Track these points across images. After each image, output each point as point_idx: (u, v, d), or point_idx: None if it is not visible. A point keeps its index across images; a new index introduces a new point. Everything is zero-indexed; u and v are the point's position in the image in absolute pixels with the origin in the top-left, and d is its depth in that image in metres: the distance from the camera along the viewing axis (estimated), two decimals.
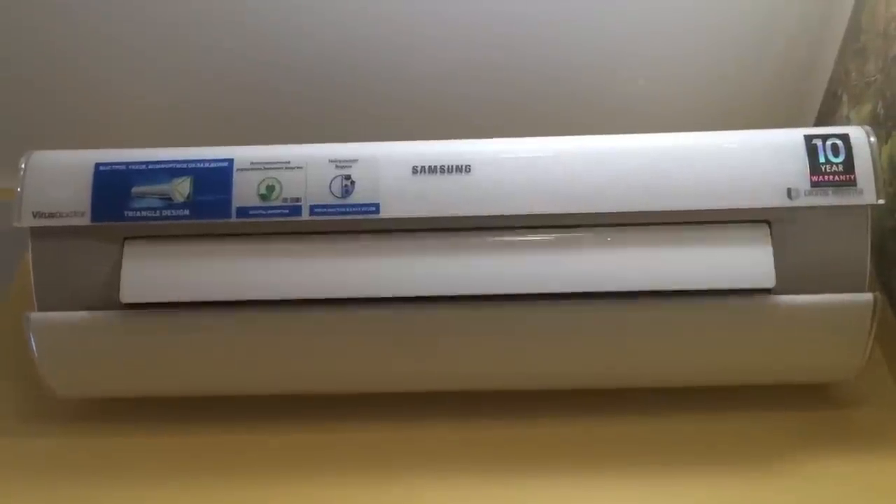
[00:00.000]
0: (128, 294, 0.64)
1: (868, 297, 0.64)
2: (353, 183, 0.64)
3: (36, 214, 0.64)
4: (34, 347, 0.65)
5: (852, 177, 0.63)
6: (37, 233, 0.65)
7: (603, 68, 0.89)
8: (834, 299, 0.64)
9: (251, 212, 0.64)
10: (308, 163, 0.65)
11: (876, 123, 0.76)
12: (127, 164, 0.65)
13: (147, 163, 0.65)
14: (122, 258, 0.64)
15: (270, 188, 0.64)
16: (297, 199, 0.64)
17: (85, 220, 0.64)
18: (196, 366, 0.67)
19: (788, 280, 0.64)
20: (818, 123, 0.90)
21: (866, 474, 0.65)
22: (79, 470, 0.68)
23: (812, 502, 0.64)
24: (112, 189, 0.64)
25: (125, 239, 0.65)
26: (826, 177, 0.63)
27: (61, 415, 0.72)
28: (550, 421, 0.70)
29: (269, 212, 0.64)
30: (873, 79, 0.78)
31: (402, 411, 0.71)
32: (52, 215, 0.64)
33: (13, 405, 0.73)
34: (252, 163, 0.65)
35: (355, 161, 0.65)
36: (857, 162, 0.63)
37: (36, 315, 0.65)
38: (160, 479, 0.67)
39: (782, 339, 0.66)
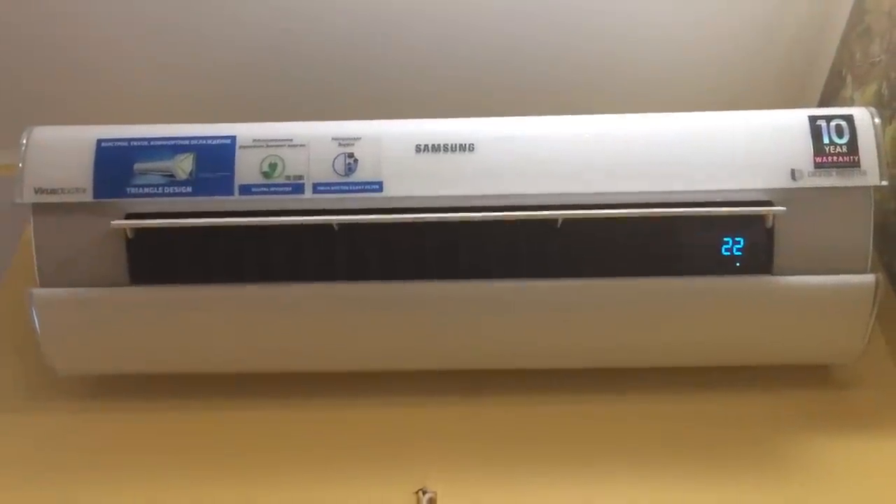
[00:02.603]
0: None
1: (870, 278, 0.64)
2: (356, 161, 0.64)
3: (38, 190, 0.64)
4: (36, 323, 0.65)
5: (856, 158, 0.63)
6: (38, 209, 0.65)
7: (608, 50, 0.88)
8: (836, 280, 0.64)
9: (254, 189, 0.64)
10: (311, 140, 0.64)
11: (880, 104, 0.76)
12: (129, 140, 0.65)
13: (149, 139, 0.65)
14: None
15: (273, 166, 0.64)
16: (300, 177, 0.64)
17: (87, 197, 0.64)
18: (199, 343, 0.67)
19: (790, 260, 0.64)
20: (822, 104, 0.90)
21: (866, 455, 0.66)
22: (80, 447, 0.68)
23: (812, 482, 0.64)
24: (114, 165, 0.64)
25: (127, 215, 0.64)
26: (830, 158, 0.63)
27: (62, 392, 0.72)
28: (552, 400, 0.70)
29: (272, 189, 0.64)
30: (878, 60, 0.78)
31: (406, 389, 0.71)
32: (53, 191, 0.64)
33: (15, 382, 0.73)
34: (255, 140, 0.65)
35: (358, 139, 0.64)
36: (861, 143, 0.63)
37: (38, 291, 0.65)
38: (162, 456, 0.67)
39: (783, 319, 0.66)
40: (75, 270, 0.65)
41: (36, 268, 0.65)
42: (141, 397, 0.71)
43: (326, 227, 0.64)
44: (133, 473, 0.66)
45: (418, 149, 0.64)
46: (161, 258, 0.65)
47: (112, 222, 0.63)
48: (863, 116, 0.64)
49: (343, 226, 0.64)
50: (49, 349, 0.67)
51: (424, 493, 0.63)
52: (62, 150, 0.65)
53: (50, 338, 0.66)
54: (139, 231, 0.64)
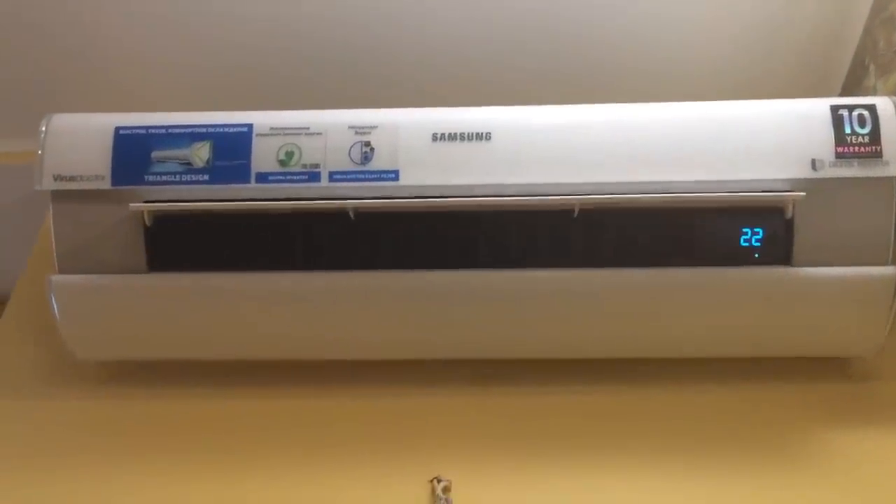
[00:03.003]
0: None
1: (891, 270, 0.63)
2: (372, 149, 0.64)
3: (57, 177, 0.65)
4: (55, 309, 0.66)
5: (878, 148, 0.62)
6: (58, 196, 0.65)
7: (627, 35, 0.87)
8: (856, 272, 0.63)
9: (270, 177, 0.64)
10: (328, 129, 0.65)
11: None
12: (147, 128, 0.65)
13: (167, 127, 0.65)
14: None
15: (290, 154, 0.64)
16: (317, 166, 0.64)
17: (105, 184, 0.64)
18: (215, 330, 0.68)
19: (810, 252, 0.64)
20: (844, 93, 0.89)
21: (886, 447, 0.65)
22: (101, 431, 0.69)
23: (831, 475, 0.64)
24: (132, 153, 0.65)
25: (145, 202, 0.65)
26: (851, 148, 0.63)
27: (81, 378, 0.72)
28: (568, 390, 0.70)
29: (289, 177, 0.64)
30: None
31: (422, 379, 0.71)
32: (72, 178, 0.65)
33: (34, 367, 0.74)
34: (272, 128, 0.65)
35: (375, 127, 0.64)
36: (883, 133, 0.62)
37: (57, 277, 0.66)
38: (181, 441, 0.68)
39: (802, 311, 0.65)
40: (94, 257, 0.65)
41: (55, 254, 0.66)
42: (160, 382, 0.72)
43: (343, 215, 0.64)
44: (152, 457, 0.67)
45: (434, 137, 0.64)
46: (178, 246, 0.66)
47: (130, 205, 0.64)
48: (885, 106, 0.63)
49: (359, 214, 0.64)
50: (68, 335, 0.68)
51: (439, 481, 0.63)
52: (81, 137, 0.65)
53: (69, 324, 0.67)
54: (157, 218, 0.65)
